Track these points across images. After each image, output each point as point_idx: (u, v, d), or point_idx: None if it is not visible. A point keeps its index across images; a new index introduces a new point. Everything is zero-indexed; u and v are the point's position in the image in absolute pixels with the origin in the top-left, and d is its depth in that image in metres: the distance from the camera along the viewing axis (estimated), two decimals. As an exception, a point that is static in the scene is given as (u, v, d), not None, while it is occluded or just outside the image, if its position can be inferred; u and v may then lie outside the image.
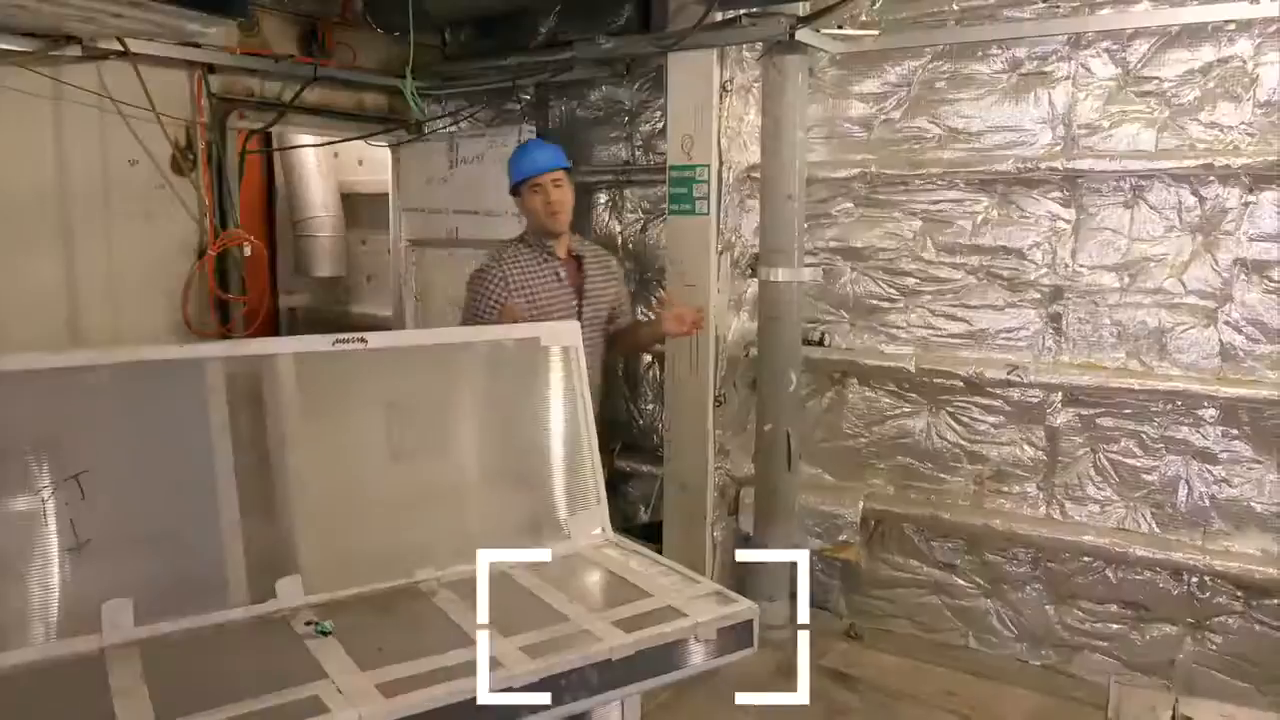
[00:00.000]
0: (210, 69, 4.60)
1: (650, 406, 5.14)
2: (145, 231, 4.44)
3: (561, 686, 1.91)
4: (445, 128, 5.34)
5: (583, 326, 3.10)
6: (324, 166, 6.49)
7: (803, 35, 3.83)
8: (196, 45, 4.46)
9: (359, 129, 5.41)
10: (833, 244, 4.50)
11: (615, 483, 5.05)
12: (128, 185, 4.37)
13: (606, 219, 5.17)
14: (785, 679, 3.81)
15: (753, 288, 4.51)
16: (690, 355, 4.37)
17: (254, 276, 5.24)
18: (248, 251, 4.75)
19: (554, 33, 4.73)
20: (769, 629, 3.51)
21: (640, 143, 4.97)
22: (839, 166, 4.36)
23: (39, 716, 1.76)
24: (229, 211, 4.71)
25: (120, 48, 4.13)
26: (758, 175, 4.32)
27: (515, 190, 3.59)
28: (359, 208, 6.74)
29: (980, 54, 4.06)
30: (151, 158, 4.44)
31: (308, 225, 6.44)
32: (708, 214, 4.23)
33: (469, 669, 1.84)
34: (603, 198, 5.16)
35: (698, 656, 2.14)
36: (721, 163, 4.24)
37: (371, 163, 6.42)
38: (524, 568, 2.39)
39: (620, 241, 5.10)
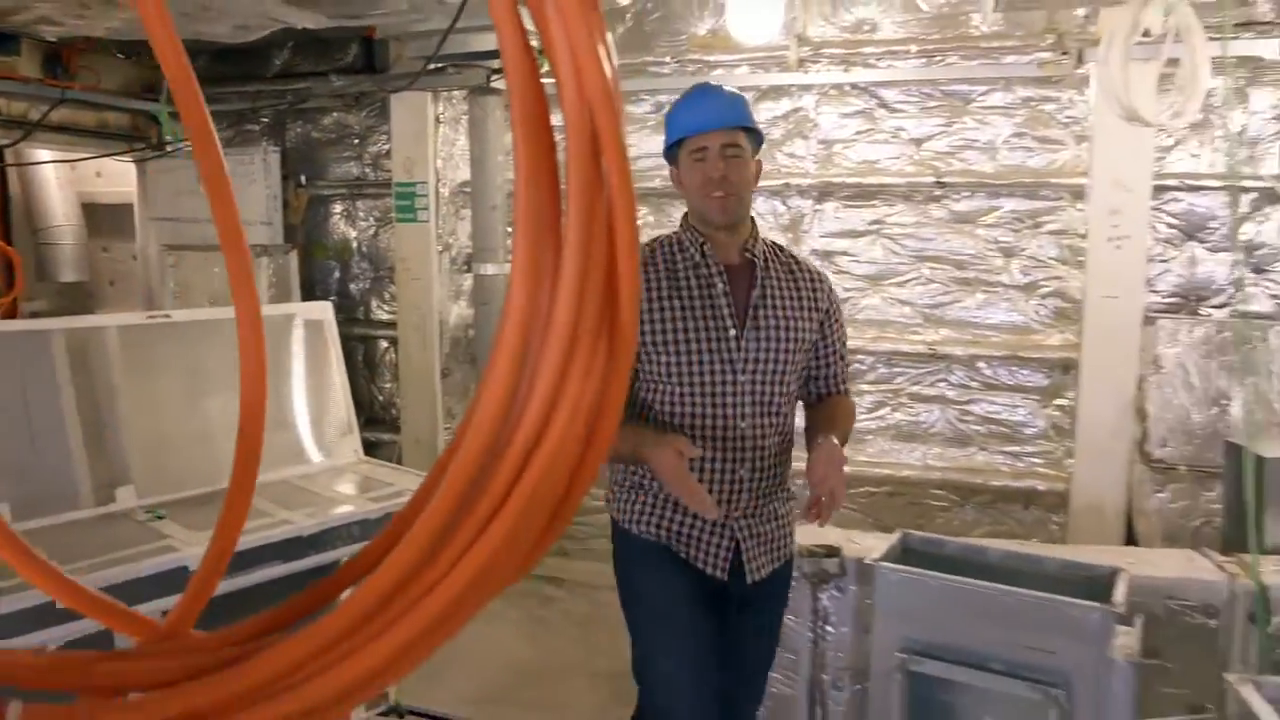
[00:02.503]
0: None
1: (389, 385, 6.06)
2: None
3: (336, 534, 2.89)
4: (187, 146, 5.97)
5: (744, 369, 2.22)
6: (62, 178, 6.84)
7: (498, 82, 4.94)
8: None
9: (101, 146, 5.92)
10: (532, 244, 5.64)
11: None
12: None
13: (342, 227, 6.04)
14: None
15: (469, 281, 5.56)
16: (421, 336, 5.37)
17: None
18: None
19: (288, 64, 5.57)
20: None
21: (370, 161, 5.89)
22: (533, 183, 5.52)
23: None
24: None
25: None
26: (469, 189, 5.38)
27: (671, 157, 2.36)
28: (100, 217, 7.12)
29: (634, 98, 5.35)
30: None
31: (49, 234, 6.77)
32: (428, 221, 5.25)
33: (278, 523, 2.79)
34: (338, 208, 6.03)
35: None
36: (438, 179, 5.27)
37: (110, 175, 6.85)
38: (300, 475, 3.32)
39: (355, 246, 5.99)
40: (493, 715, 3.77)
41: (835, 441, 2.19)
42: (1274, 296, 4.65)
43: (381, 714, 3.70)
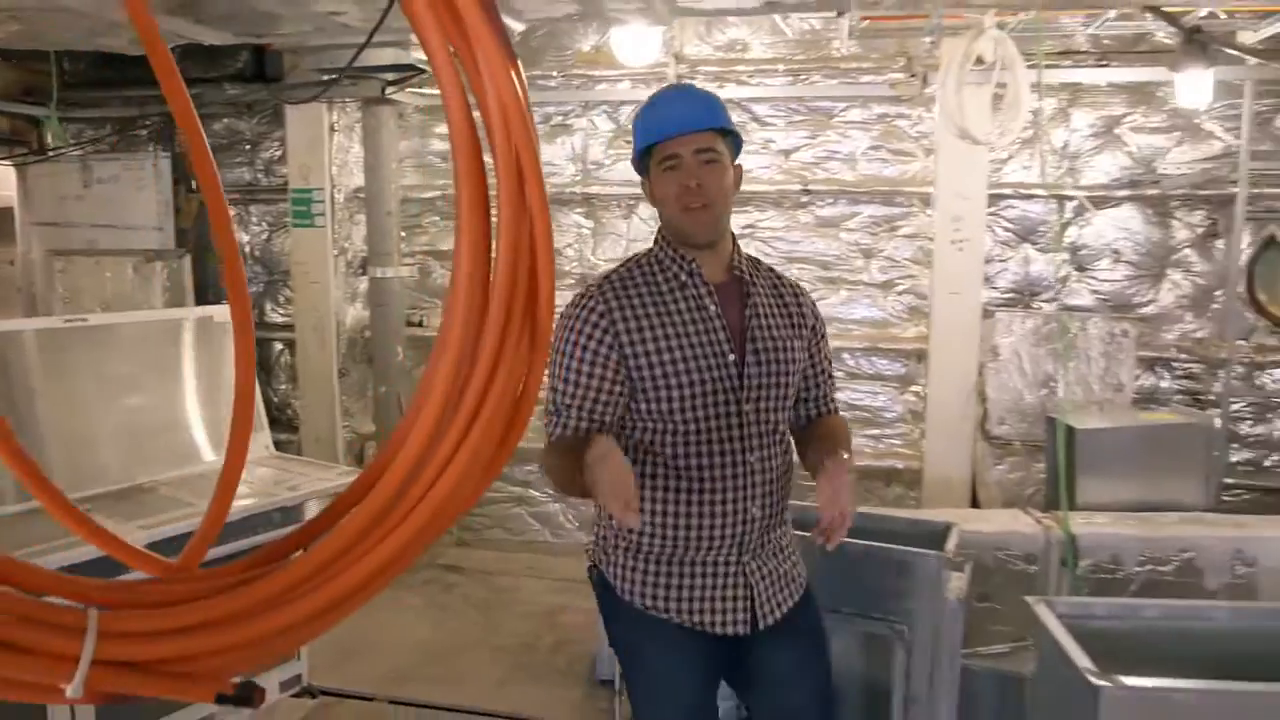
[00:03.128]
0: None
1: (284, 386, 6.17)
2: None
3: (256, 521, 3.10)
4: (73, 151, 5.96)
5: (748, 397, 2.06)
6: (-71, 182, 6.68)
7: (391, 94, 5.15)
8: None
9: (-23, 150, 5.85)
10: (425, 248, 5.87)
11: (257, 451, 6.05)
12: None
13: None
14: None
15: (364, 283, 5.75)
16: (319, 338, 5.53)
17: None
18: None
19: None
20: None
21: (262, 167, 6.00)
22: (426, 189, 5.75)
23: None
24: None
25: None
26: (363, 195, 5.57)
27: (641, 167, 2.12)
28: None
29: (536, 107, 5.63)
30: None
31: (-82, 239, 6.61)
32: (325, 227, 5.42)
33: (196, 513, 2.98)
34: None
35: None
36: (333, 186, 5.44)
37: (-17, 179, 6.73)
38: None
39: (248, 250, 6.08)
40: (401, 691, 4.00)
41: (843, 460, 1.99)
42: (1094, 292, 5.29)
43: (295, 695, 3.89)
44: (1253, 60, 4.30)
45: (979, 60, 4.20)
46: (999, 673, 2.94)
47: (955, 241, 5.00)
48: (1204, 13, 3.90)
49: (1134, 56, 4.96)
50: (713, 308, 2.07)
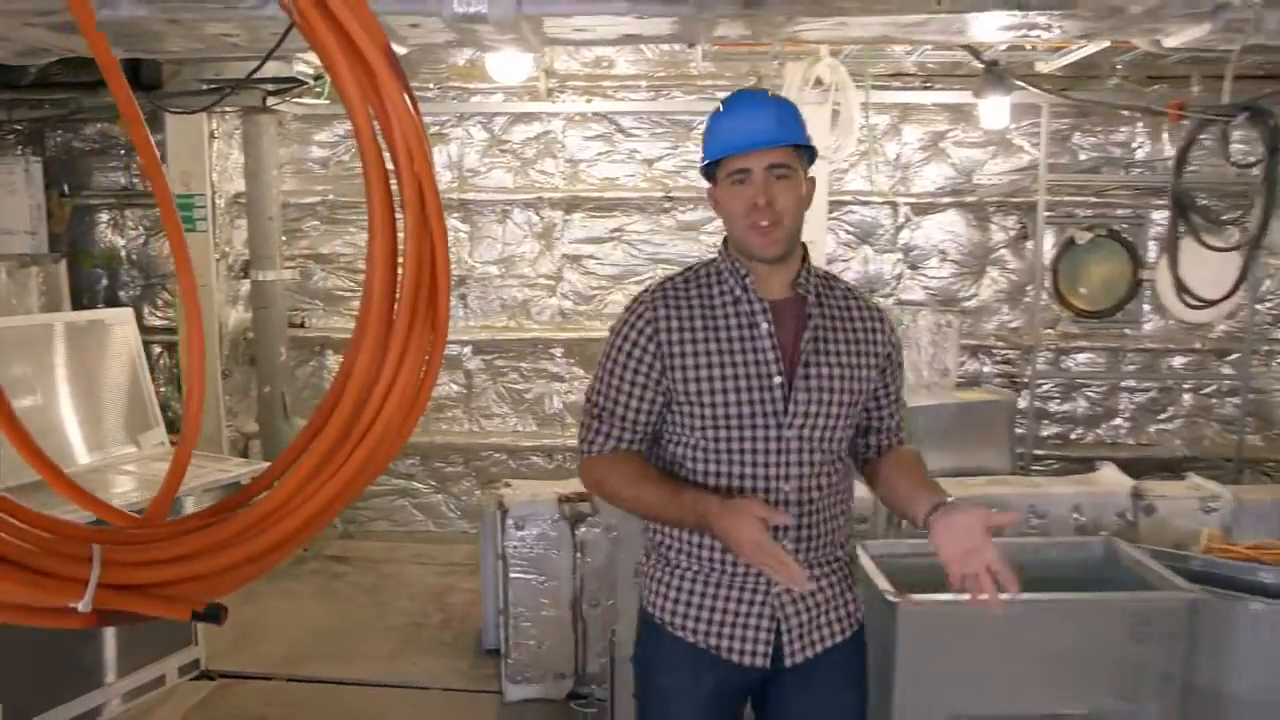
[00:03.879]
0: None
1: (164, 389, 6.25)
2: None
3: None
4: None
5: (790, 423, 1.94)
6: None
7: (272, 103, 5.35)
8: None
9: None
10: (306, 251, 6.06)
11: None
12: None
13: (110, 236, 6.16)
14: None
15: (245, 286, 5.90)
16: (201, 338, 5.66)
17: None
18: None
19: (45, 73, 5.64)
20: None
21: (138, 172, 6.07)
22: (306, 194, 5.95)
23: None
24: None
25: None
26: (244, 200, 5.72)
27: (708, 174, 2.03)
28: None
29: (401, 118, 5.90)
30: None
31: None
32: (206, 231, 5.56)
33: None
34: (104, 217, 6.15)
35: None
36: (214, 191, 5.59)
37: None
38: (119, 459, 3.69)
39: (124, 254, 6.14)
40: (297, 670, 4.25)
41: (950, 503, 1.85)
42: (924, 287, 5.94)
43: (193, 679, 4.10)
44: (1046, 87, 4.98)
45: (818, 82, 4.74)
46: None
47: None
48: (1004, 46, 4.52)
49: (954, 80, 5.60)
50: (765, 325, 1.96)
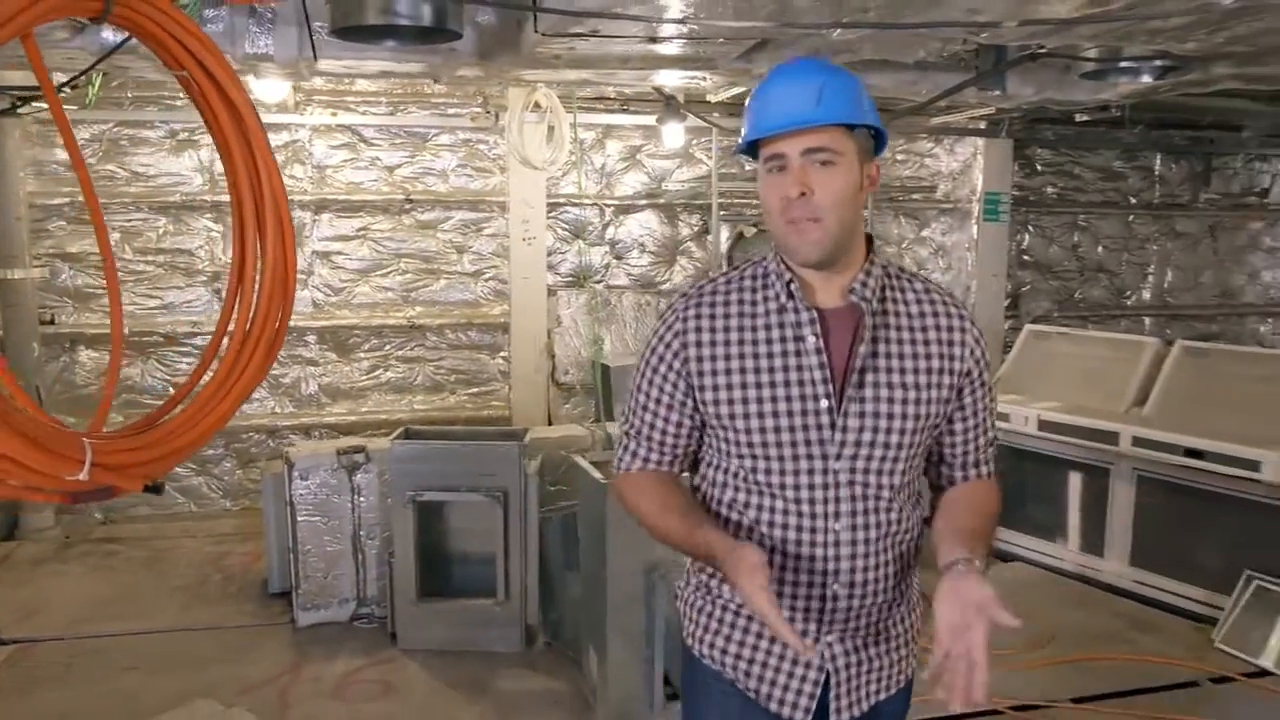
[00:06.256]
0: None
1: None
2: None
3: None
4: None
5: (839, 454, 1.71)
6: None
7: (21, 109, 5.62)
8: None
9: None
10: (52, 250, 6.29)
11: None
12: None
13: None
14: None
15: (-8, 285, 6.07)
16: (-53, 338, 5.79)
17: None
18: None
19: None
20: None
21: None
22: (53, 195, 6.20)
23: None
24: None
25: None
26: (-12, 202, 5.91)
27: (752, 152, 1.76)
28: None
29: (149, 125, 6.30)
30: None
31: None
32: (-49, 231, 5.71)
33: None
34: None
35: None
36: (-43, 193, 5.74)
37: None
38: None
39: None
40: (88, 629, 4.68)
41: (974, 567, 1.59)
42: (628, 274, 7.16)
43: (-17, 644, 4.45)
44: (715, 115, 6.34)
45: (536, 106, 5.78)
46: (563, 517, 4.47)
47: (525, 239, 6.60)
48: (679, 82, 5.78)
49: (647, 104, 6.82)
50: (812, 339, 1.69)
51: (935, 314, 1.79)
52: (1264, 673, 4.19)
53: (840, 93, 1.66)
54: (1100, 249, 8.37)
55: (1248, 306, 8.79)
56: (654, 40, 3.67)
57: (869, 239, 1.78)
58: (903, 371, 1.73)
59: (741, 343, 1.73)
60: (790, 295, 1.72)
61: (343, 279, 6.66)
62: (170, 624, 4.77)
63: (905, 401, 1.72)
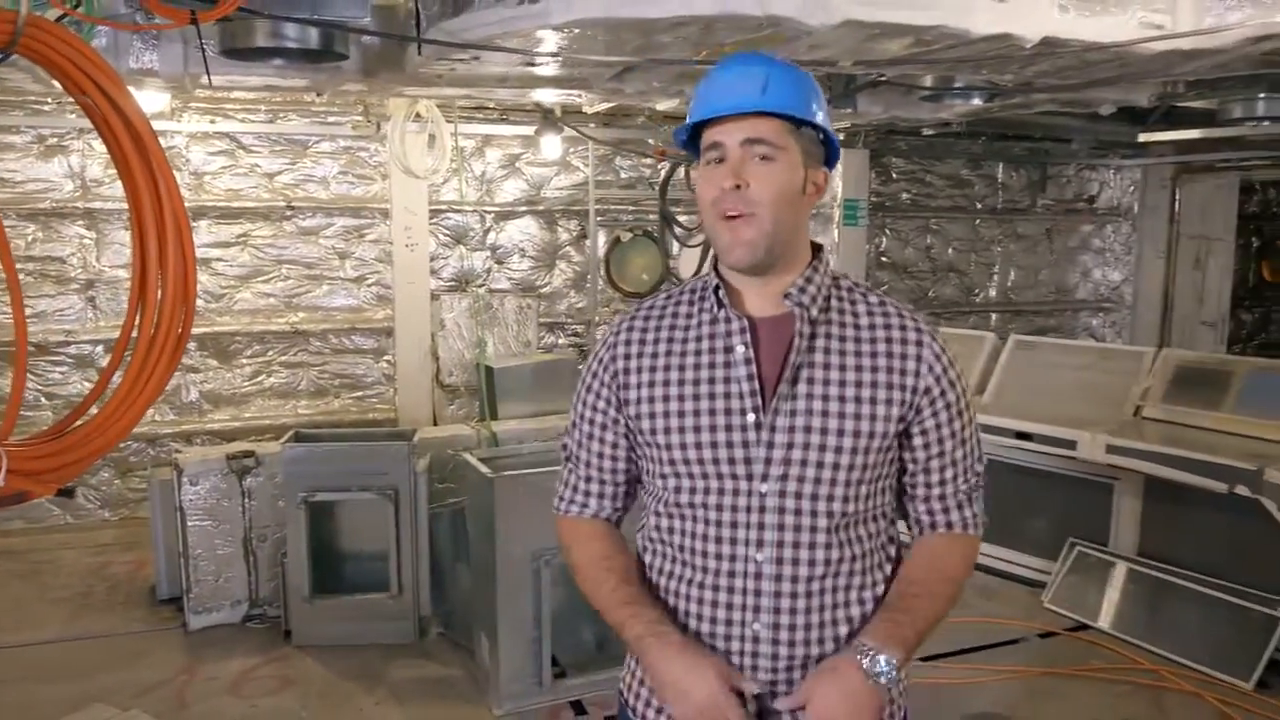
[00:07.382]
0: None
1: None
2: None
3: None
4: None
5: (764, 473, 1.57)
6: None
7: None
8: None
9: None
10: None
11: None
12: None
13: None
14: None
15: None
16: None
17: None
18: None
19: None
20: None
21: None
22: (-87, 203, 6.03)
23: None
24: None
25: None
26: None
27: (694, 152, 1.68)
28: None
29: (16, 129, 6.19)
30: None
31: None
32: None
33: None
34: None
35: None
36: None
37: None
38: None
39: None
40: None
41: (870, 666, 1.48)
42: (509, 278, 7.39)
43: None
44: (591, 126, 6.64)
45: (418, 116, 5.97)
46: (452, 512, 4.69)
47: (408, 245, 6.77)
48: (555, 98, 6.05)
49: (524, 114, 7.07)
50: (740, 349, 1.58)
51: (888, 326, 1.62)
52: (1083, 626, 4.76)
53: (787, 85, 1.55)
54: (950, 250, 9.04)
55: (1080, 302, 9.63)
56: (530, 64, 3.94)
57: (816, 248, 1.66)
58: (842, 384, 1.57)
59: (669, 354, 1.64)
60: (720, 304, 1.61)
61: (223, 285, 6.67)
62: (57, 634, 4.77)
63: (843, 415, 1.56)
